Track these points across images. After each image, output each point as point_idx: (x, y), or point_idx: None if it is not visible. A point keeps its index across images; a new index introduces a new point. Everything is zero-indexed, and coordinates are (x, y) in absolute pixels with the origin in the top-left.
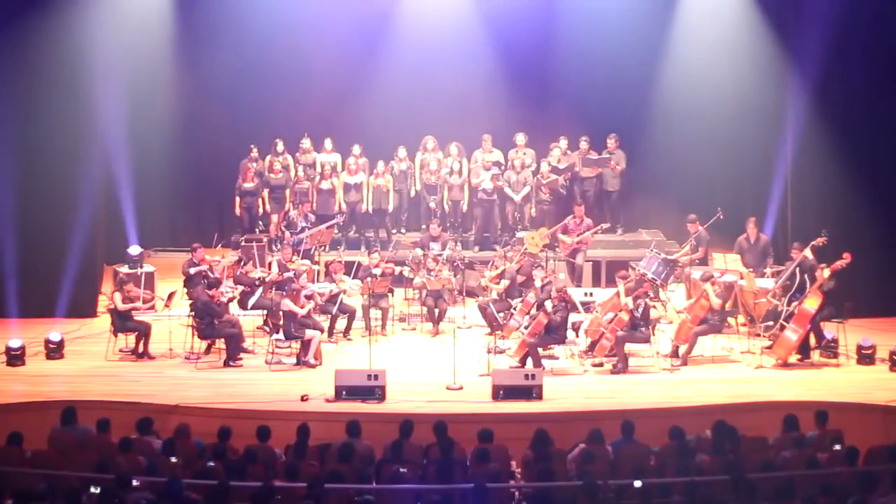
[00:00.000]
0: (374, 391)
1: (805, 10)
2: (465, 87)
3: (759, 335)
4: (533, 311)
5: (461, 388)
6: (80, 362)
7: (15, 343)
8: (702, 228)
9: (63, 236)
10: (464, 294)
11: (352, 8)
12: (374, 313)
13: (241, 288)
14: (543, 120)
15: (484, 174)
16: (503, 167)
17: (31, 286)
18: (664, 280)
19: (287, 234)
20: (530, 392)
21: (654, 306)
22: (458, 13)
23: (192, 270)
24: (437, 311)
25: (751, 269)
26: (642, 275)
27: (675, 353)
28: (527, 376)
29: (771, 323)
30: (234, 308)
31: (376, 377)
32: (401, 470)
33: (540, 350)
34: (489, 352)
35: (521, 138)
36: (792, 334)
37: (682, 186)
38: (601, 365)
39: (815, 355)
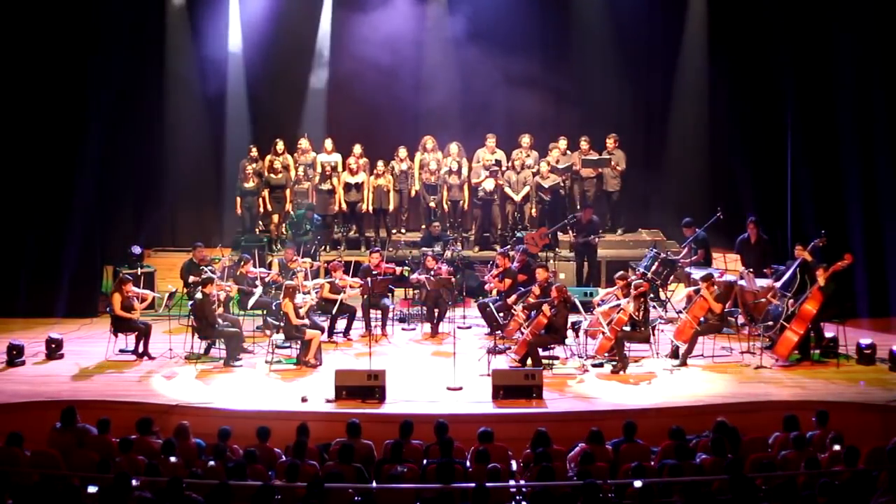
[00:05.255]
0: (374, 391)
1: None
2: (465, 87)
3: (759, 335)
4: (533, 312)
5: (461, 389)
6: (80, 362)
7: (15, 343)
8: (699, 230)
9: (63, 236)
10: (464, 294)
11: (352, 8)
12: (374, 313)
13: (237, 287)
14: (544, 120)
15: (484, 174)
16: (504, 167)
17: (32, 286)
18: (664, 280)
19: (290, 234)
20: (530, 392)
21: (653, 306)
22: (457, 14)
23: (191, 279)
24: (436, 311)
25: (751, 269)
26: (642, 274)
27: (675, 353)
28: (527, 376)
29: (771, 323)
30: (234, 308)
31: (376, 377)
32: (401, 470)
33: (540, 350)
34: (489, 352)
35: (526, 140)
36: (792, 334)
37: (681, 186)
38: (601, 365)
39: (815, 355)
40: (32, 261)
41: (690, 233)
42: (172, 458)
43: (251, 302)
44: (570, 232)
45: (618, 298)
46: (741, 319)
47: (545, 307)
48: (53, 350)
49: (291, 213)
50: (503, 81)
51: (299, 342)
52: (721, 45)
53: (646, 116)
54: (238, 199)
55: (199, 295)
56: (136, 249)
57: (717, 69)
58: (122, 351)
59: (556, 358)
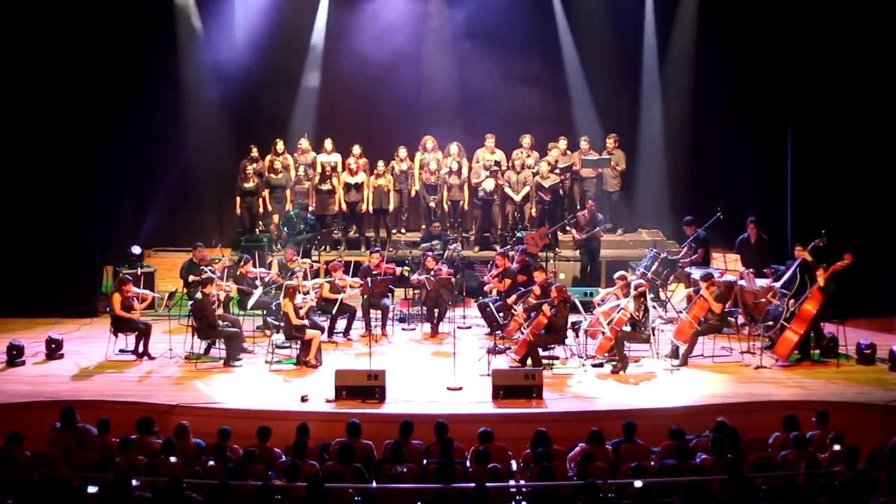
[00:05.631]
0: (374, 391)
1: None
2: (465, 85)
3: (759, 335)
4: (533, 312)
5: (461, 389)
6: (80, 362)
7: (15, 343)
8: (700, 230)
9: (63, 236)
10: (464, 294)
11: (352, 9)
12: (374, 313)
13: (236, 287)
14: (544, 120)
15: (485, 174)
16: (503, 167)
17: (32, 286)
18: (664, 280)
19: (284, 233)
20: (530, 392)
21: (653, 306)
22: (457, 16)
23: (191, 279)
24: (436, 311)
25: (751, 269)
26: (642, 274)
27: (675, 354)
28: (527, 376)
29: (771, 323)
30: (234, 308)
31: (376, 377)
32: (401, 470)
33: (540, 350)
34: (489, 352)
35: (527, 140)
36: (792, 334)
37: (681, 186)
38: (601, 365)
39: (815, 355)
40: (33, 261)
41: (691, 231)
42: (172, 458)
43: (251, 302)
44: (574, 231)
45: (617, 298)
46: (741, 319)
47: (545, 307)
48: (53, 350)
49: (291, 212)
50: (503, 80)
51: (299, 342)
52: (720, 45)
53: (645, 116)
54: (238, 199)
55: (198, 295)
56: (136, 249)
57: (716, 69)
58: (122, 351)
59: (556, 358)
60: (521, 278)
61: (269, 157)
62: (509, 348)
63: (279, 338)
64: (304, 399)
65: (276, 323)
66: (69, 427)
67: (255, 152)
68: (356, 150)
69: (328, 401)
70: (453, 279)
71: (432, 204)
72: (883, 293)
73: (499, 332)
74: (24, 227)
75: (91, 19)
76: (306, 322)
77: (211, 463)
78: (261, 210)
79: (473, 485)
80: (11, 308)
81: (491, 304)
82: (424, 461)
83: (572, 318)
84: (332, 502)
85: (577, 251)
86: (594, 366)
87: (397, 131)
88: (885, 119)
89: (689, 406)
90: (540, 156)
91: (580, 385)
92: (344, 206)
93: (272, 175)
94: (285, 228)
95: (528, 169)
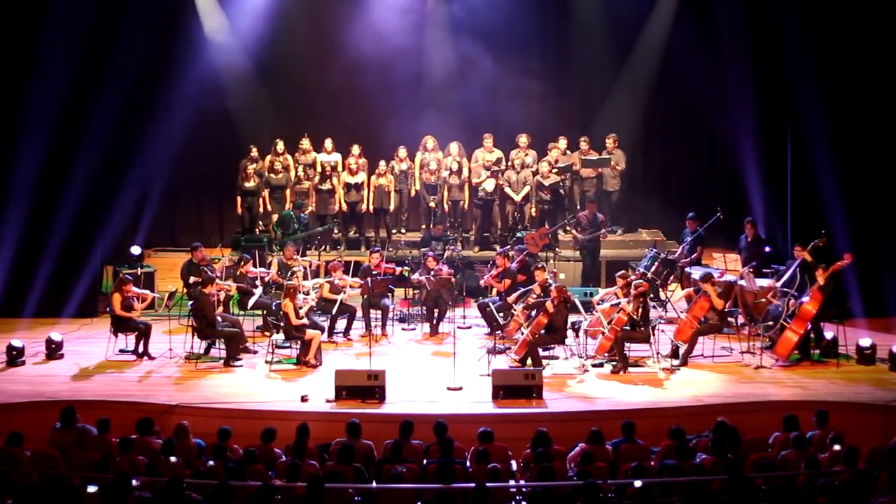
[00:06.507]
0: (374, 391)
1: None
2: (465, 86)
3: (759, 335)
4: (533, 312)
5: (461, 389)
6: (80, 362)
7: (16, 343)
8: (699, 229)
9: (64, 237)
10: (464, 294)
11: (352, 9)
12: (374, 313)
13: (236, 286)
14: (544, 120)
15: (485, 174)
16: (503, 167)
17: (32, 287)
18: (664, 280)
19: (278, 234)
20: (530, 392)
21: (653, 306)
22: (456, 15)
23: (192, 279)
24: (436, 311)
25: (751, 269)
26: (642, 274)
27: (675, 353)
28: (527, 376)
29: (771, 323)
30: (234, 308)
31: (376, 377)
32: (401, 470)
33: (540, 350)
34: (489, 352)
35: (523, 139)
36: (792, 334)
37: (681, 186)
38: (601, 365)
39: (815, 355)
40: (33, 261)
41: (692, 226)
42: (172, 458)
43: (251, 302)
44: (576, 230)
45: (617, 297)
46: (741, 319)
47: (548, 304)
48: (53, 350)
49: (284, 212)
50: (503, 78)
51: (299, 342)
52: (719, 45)
53: (644, 115)
54: (238, 199)
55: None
56: (136, 249)
57: (716, 69)
58: (122, 351)
59: (556, 358)
60: (520, 278)
61: (269, 157)
62: (509, 348)
63: (279, 338)
64: (304, 399)
65: (277, 323)
66: (69, 427)
67: (255, 152)
68: (356, 149)
69: (328, 401)
70: (453, 279)
71: (432, 204)
72: (882, 293)
73: (499, 332)
74: (24, 227)
75: (93, 19)
76: (306, 322)
77: (211, 463)
78: (261, 210)
79: (473, 485)
80: (12, 308)
81: (491, 304)
82: (424, 461)
83: (572, 318)
84: (332, 502)
85: (578, 251)
86: (594, 366)
87: (397, 131)
88: (885, 119)
89: (689, 406)
90: (539, 155)
91: (580, 385)
92: (344, 206)
93: (272, 175)
94: (278, 230)
95: (528, 168)
